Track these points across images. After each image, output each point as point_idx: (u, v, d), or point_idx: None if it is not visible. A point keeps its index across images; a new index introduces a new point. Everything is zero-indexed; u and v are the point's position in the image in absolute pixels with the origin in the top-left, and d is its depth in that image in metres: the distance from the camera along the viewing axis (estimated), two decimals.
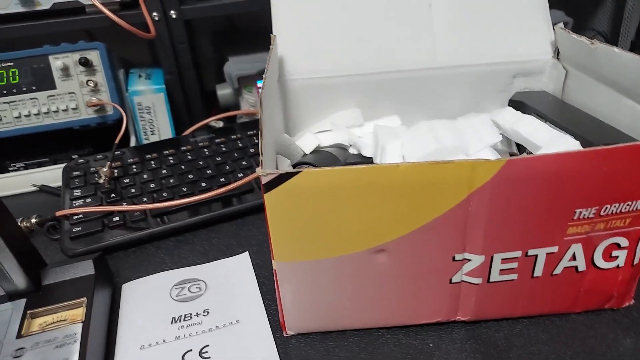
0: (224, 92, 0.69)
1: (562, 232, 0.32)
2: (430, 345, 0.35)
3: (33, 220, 0.49)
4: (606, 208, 0.31)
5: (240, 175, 0.53)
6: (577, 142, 0.35)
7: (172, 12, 0.62)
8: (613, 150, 0.29)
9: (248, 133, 0.61)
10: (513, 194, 0.30)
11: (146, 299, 0.40)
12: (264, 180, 0.28)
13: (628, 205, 0.31)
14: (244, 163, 0.55)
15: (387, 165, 0.29)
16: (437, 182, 0.29)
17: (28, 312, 0.35)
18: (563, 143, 0.35)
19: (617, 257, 0.33)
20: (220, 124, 0.68)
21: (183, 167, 0.55)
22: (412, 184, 0.29)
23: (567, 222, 0.31)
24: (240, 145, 0.58)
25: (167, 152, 0.57)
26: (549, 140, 0.36)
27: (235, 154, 0.56)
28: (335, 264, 0.32)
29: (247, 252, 0.44)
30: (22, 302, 0.36)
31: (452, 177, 0.29)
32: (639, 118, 0.36)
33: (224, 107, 0.71)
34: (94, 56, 0.58)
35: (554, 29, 0.45)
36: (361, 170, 0.29)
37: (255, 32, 0.76)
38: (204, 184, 0.52)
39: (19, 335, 0.33)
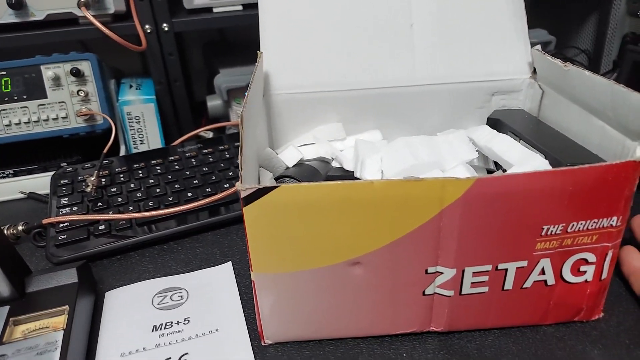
0: (213, 103, 0.70)
1: (531, 247, 0.33)
2: (404, 355, 0.36)
3: (20, 227, 0.50)
4: (573, 225, 0.32)
5: (227, 185, 0.54)
6: (546, 161, 0.36)
7: (164, 25, 0.63)
8: (579, 171, 0.30)
9: (235, 144, 0.62)
10: (483, 211, 0.31)
11: (128, 307, 0.41)
12: (242, 195, 0.29)
13: (594, 222, 0.32)
14: (230, 173, 0.56)
15: (362, 182, 0.30)
16: (410, 199, 0.30)
17: (11, 319, 0.36)
18: (533, 162, 0.36)
19: (585, 271, 0.35)
20: (210, 135, 0.69)
21: (170, 176, 0.56)
22: (386, 200, 0.30)
23: (536, 238, 0.32)
24: (227, 155, 0.59)
25: (154, 161, 0.58)
26: (520, 159, 0.37)
27: (222, 165, 0.57)
28: (312, 275, 0.33)
29: (229, 262, 0.45)
30: (6, 309, 0.36)
31: (424, 194, 0.30)
32: (608, 138, 0.37)
33: (214, 118, 0.72)
34: (85, 67, 0.59)
35: (531, 49, 0.47)
36: (337, 186, 0.30)
37: (246, 46, 0.77)
38: (189, 194, 0.53)
39: (1, 342, 0.34)
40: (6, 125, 0.58)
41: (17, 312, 0.36)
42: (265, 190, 0.30)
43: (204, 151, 0.60)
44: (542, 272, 0.34)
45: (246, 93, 0.35)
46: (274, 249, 0.32)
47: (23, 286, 0.38)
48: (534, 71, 0.47)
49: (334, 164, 0.46)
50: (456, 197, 0.30)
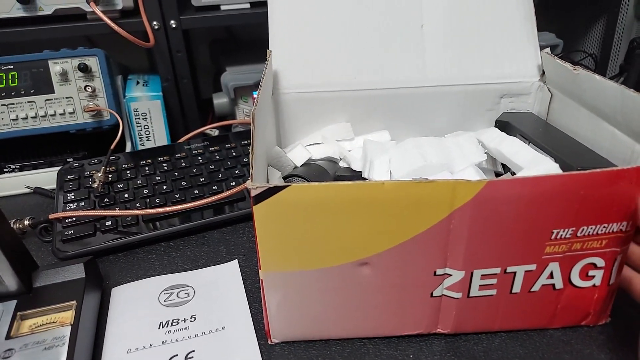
0: (220, 101, 0.70)
1: (540, 250, 0.33)
2: (411, 356, 0.36)
3: (26, 222, 0.50)
4: (583, 229, 0.32)
5: (233, 183, 0.54)
6: (557, 165, 0.36)
7: (172, 21, 0.63)
8: (590, 175, 0.30)
9: (242, 142, 0.62)
10: (493, 214, 0.31)
11: (135, 303, 0.41)
12: (253, 193, 0.29)
13: (604, 227, 0.32)
14: (236, 172, 0.56)
15: (372, 183, 0.30)
16: (420, 200, 0.30)
17: (18, 313, 0.36)
18: (543, 165, 0.36)
19: (593, 276, 0.34)
20: (216, 133, 0.69)
21: (176, 173, 0.55)
22: (396, 201, 0.30)
23: (545, 241, 0.32)
24: (234, 154, 0.59)
25: (161, 158, 0.58)
26: (530, 162, 0.37)
27: (229, 163, 0.57)
28: (321, 275, 0.33)
29: (236, 260, 0.45)
30: (13, 303, 0.36)
31: (435, 196, 0.30)
32: (618, 142, 0.37)
33: (220, 116, 0.72)
34: (93, 62, 0.59)
35: (540, 52, 0.47)
36: (347, 186, 0.30)
37: (253, 44, 0.77)
38: (196, 191, 0.53)
39: (8, 337, 0.34)
40: (13, 120, 0.58)
41: (25, 306, 0.36)
42: (276, 190, 0.29)
43: (210, 149, 0.60)
44: (551, 275, 0.34)
45: (257, 91, 0.35)
46: (282, 248, 0.32)
47: (30, 281, 0.38)
48: (543, 74, 0.47)
49: (342, 164, 0.46)
50: (467, 199, 0.30)
